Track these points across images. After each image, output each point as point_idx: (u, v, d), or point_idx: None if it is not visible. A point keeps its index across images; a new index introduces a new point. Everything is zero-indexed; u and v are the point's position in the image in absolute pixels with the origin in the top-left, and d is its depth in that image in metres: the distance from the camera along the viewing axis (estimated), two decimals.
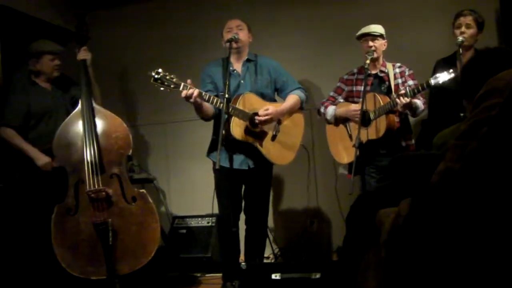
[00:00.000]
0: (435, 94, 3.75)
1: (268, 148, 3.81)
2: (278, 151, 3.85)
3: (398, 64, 3.90)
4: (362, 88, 3.82)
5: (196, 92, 3.46)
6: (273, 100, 3.96)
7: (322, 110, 4.08)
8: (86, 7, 5.24)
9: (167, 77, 3.45)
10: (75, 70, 4.04)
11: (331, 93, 4.10)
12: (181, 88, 3.45)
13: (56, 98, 4.08)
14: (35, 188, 3.88)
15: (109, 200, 3.64)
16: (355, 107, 3.83)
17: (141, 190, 3.75)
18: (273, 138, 3.84)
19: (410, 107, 3.63)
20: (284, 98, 3.95)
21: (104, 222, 3.53)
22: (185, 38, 5.15)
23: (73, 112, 3.82)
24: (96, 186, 3.59)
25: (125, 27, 5.32)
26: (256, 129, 3.74)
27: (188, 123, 5.00)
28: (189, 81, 3.48)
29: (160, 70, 3.46)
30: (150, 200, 3.70)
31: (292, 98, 3.90)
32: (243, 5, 5.00)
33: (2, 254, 3.88)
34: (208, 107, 3.67)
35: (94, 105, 3.80)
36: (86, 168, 3.61)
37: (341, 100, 4.04)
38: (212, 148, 3.87)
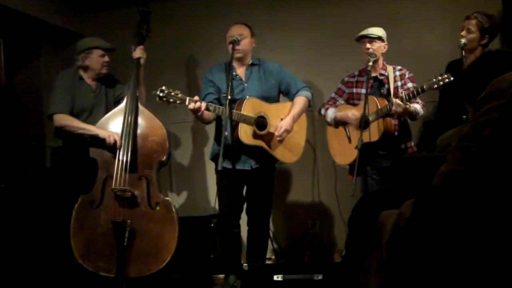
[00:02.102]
0: (444, 96, 3.75)
1: (277, 149, 3.86)
2: (286, 150, 3.91)
3: (399, 67, 3.90)
4: (362, 90, 3.87)
5: (203, 106, 3.53)
6: (276, 101, 3.99)
7: (322, 112, 4.10)
8: (88, 8, 5.27)
9: (172, 94, 3.51)
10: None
11: (332, 95, 4.11)
12: (187, 103, 3.51)
13: (99, 96, 4.05)
14: (61, 179, 3.89)
15: (133, 201, 3.63)
16: (354, 111, 3.86)
17: (166, 198, 3.73)
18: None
19: (407, 111, 3.64)
20: (291, 99, 3.98)
21: (123, 222, 3.52)
22: (185, 39, 5.15)
23: (116, 108, 3.81)
24: (122, 185, 3.58)
25: (127, 28, 5.32)
26: (263, 132, 3.78)
27: (191, 124, 5.02)
28: (196, 97, 3.55)
29: (163, 87, 3.51)
30: (174, 210, 3.67)
31: (301, 101, 3.94)
32: (245, 7, 5.00)
33: (10, 250, 3.92)
34: (209, 114, 3.72)
35: (139, 105, 3.78)
36: (116, 166, 3.61)
37: (342, 102, 4.05)
38: (214, 151, 3.93)
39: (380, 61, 3.90)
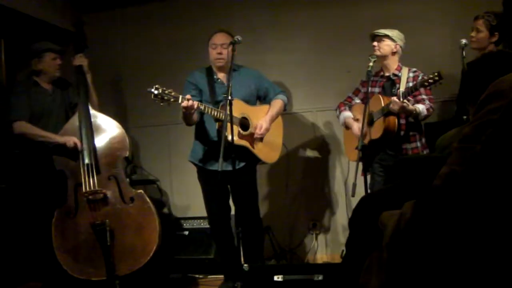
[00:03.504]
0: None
1: (259, 149, 3.97)
2: (267, 150, 4.03)
3: (414, 69, 3.92)
4: (375, 89, 3.97)
5: (196, 104, 3.60)
6: (254, 105, 4.08)
7: (337, 113, 4.21)
8: (87, 8, 5.27)
9: (166, 92, 3.56)
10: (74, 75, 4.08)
11: (349, 94, 4.20)
12: (180, 101, 3.56)
13: (56, 99, 4.11)
14: (35, 192, 3.90)
15: (106, 201, 3.70)
16: (357, 128, 3.94)
17: (138, 191, 3.81)
18: (261, 138, 3.98)
19: (405, 110, 3.65)
20: (268, 102, 4.09)
21: (102, 223, 3.58)
22: (187, 40, 5.15)
23: (72, 117, 3.90)
24: (92, 188, 3.65)
25: (126, 28, 5.33)
26: (246, 132, 3.88)
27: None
28: (188, 96, 3.59)
29: (157, 86, 3.55)
30: (148, 200, 3.76)
31: (277, 104, 4.06)
32: (246, 8, 5.00)
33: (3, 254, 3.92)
34: (195, 114, 3.80)
35: (91, 109, 3.88)
36: (82, 170, 3.68)
37: (358, 101, 4.13)
38: (196, 152, 4.01)
39: (393, 61, 3.94)
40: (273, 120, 4.00)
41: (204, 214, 4.66)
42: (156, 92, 3.52)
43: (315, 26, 4.90)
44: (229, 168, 3.82)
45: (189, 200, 5.10)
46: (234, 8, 5.02)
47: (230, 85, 3.56)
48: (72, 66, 4.02)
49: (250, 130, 3.91)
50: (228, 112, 3.67)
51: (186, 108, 3.56)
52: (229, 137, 3.66)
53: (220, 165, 3.33)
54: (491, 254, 1.41)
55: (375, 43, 3.89)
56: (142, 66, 5.25)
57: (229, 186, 3.99)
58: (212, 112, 3.70)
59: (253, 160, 4.00)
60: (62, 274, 3.72)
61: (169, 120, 5.17)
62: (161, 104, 3.56)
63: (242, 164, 3.91)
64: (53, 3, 5.05)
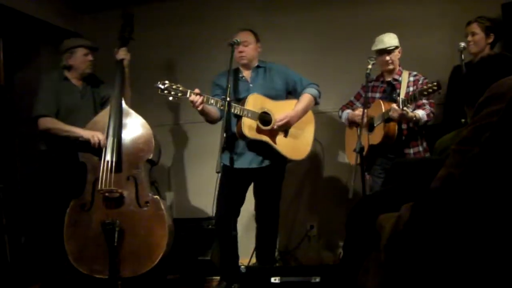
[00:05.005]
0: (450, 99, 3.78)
1: (282, 144, 3.87)
2: (292, 146, 3.92)
3: (414, 73, 3.93)
4: (376, 94, 3.97)
5: (202, 97, 3.57)
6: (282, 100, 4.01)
7: (339, 113, 4.22)
8: (86, 8, 5.27)
9: (174, 87, 3.55)
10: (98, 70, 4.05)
11: (351, 98, 4.21)
12: (188, 95, 3.55)
13: (85, 96, 4.07)
14: (52, 183, 3.88)
15: (121, 201, 3.65)
16: (359, 111, 3.91)
17: (155, 196, 3.73)
18: (286, 134, 3.91)
19: (404, 117, 3.66)
20: (298, 97, 4.01)
21: (112, 222, 3.53)
22: (188, 39, 5.16)
23: (102, 111, 3.85)
24: (108, 186, 3.59)
25: None
26: (267, 127, 3.80)
27: (191, 125, 5.01)
28: (197, 90, 3.57)
29: (166, 81, 3.55)
30: (163, 208, 3.69)
31: (306, 97, 3.94)
32: (246, 8, 5.00)
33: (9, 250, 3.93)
34: (212, 110, 3.76)
35: (124, 105, 3.82)
36: (101, 167, 3.62)
37: (359, 105, 4.12)
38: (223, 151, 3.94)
39: (396, 65, 3.94)
40: (299, 115, 3.88)
41: (202, 215, 4.68)
42: (162, 86, 3.53)
43: (314, 28, 4.91)
44: (254, 165, 3.83)
45: (187, 201, 5.10)
46: (232, 9, 5.02)
47: (229, 85, 3.57)
48: (114, 59, 3.96)
49: (272, 125, 3.81)
50: (244, 107, 3.71)
51: (193, 102, 3.55)
52: (245, 131, 3.69)
53: (218, 165, 3.32)
54: (489, 256, 1.41)
55: (388, 57, 3.87)
56: (140, 66, 5.24)
57: (253, 184, 3.98)
58: (219, 105, 3.65)
59: (280, 159, 3.91)
60: (61, 274, 3.72)
61: (168, 121, 5.18)
62: (170, 99, 3.54)
63: (267, 162, 3.85)
64: (53, 3, 5.04)
